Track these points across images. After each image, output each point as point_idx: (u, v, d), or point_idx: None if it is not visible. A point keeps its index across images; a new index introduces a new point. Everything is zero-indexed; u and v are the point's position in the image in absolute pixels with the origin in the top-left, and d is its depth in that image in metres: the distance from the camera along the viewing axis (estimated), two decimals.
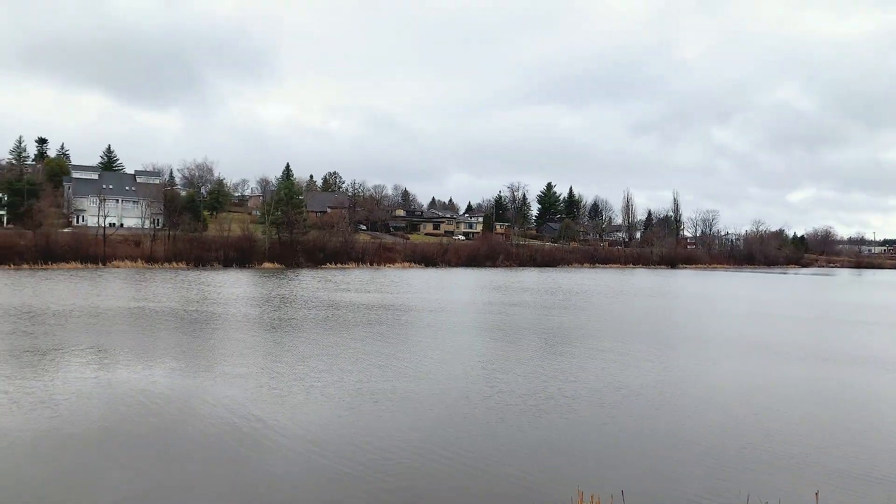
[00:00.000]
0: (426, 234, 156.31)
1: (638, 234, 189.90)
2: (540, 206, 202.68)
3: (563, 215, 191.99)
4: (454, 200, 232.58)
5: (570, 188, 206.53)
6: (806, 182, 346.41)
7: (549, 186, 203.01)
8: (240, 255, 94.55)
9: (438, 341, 25.91)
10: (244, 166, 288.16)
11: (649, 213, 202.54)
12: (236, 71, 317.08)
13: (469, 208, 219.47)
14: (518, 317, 36.18)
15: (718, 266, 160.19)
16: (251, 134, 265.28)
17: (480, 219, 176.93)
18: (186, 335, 26.78)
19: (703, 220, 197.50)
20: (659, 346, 26.14)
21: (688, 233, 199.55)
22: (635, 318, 37.70)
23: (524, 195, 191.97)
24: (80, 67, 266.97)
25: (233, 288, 53.73)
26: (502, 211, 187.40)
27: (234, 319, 32.23)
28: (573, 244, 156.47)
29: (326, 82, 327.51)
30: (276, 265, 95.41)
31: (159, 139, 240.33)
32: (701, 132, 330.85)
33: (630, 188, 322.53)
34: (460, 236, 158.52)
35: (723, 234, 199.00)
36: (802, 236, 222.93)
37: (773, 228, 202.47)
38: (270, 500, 9.98)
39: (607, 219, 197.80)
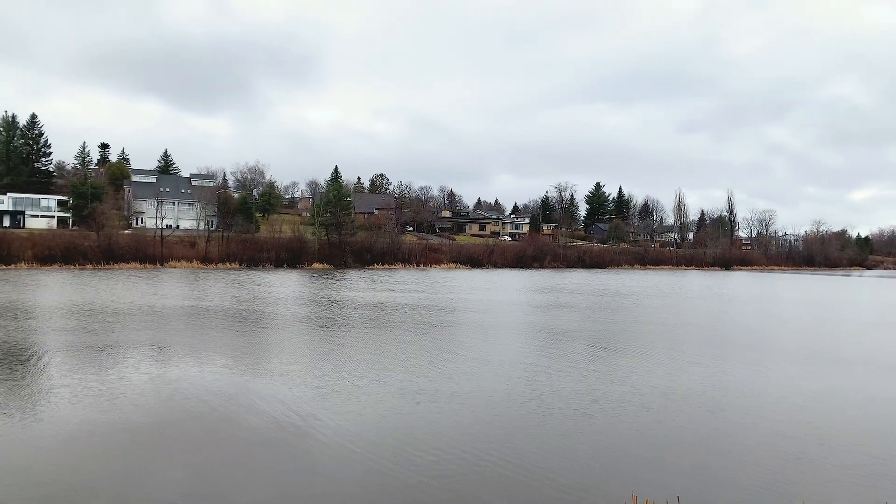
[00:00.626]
0: (472, 235, 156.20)
1: (690, 235, 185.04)
2: (588, 207, 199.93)
3: (613, 216, 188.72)
4: (500, 201, 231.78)
5: (620, 188, 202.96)
6: (868, 180, 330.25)
7: (598, 186, 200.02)
8: (290, 256, 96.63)
9: (483, 342, 25.75)
10: (294, 169, 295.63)
11: (702, 214, 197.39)
12: (284, 76, 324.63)
13: (515, 209, 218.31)
14: (564, 318, 35.65)
15: (776, 268, 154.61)
16: (299, 137, 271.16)
17: (527, 219, 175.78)
18: (238, 333, 27.42)
19: (759, 221, 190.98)
20: (710, 351, 25.29)
21: (743, 233, 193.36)
22: (686, 321, 36.64)
23: (572, 195, 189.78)
24: (137, 75, 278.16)
25: (283, 288, 54.86)
26: (549, 211, 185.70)
27: (283, 318, 32.84)
28: (623, 245, 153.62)
29: (371, 85, 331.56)
30: (325, 266, 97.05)
31: (212, 143, 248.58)
32: (753, 130, 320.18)
33: (682, 188, 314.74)
34: (506, 237, 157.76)
35: (780, 234, 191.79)
36: (867, 237, 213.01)
37: (835, 229, 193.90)
38: (315, 495, 10.04)
39: (658, 219, 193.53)
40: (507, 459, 11.68)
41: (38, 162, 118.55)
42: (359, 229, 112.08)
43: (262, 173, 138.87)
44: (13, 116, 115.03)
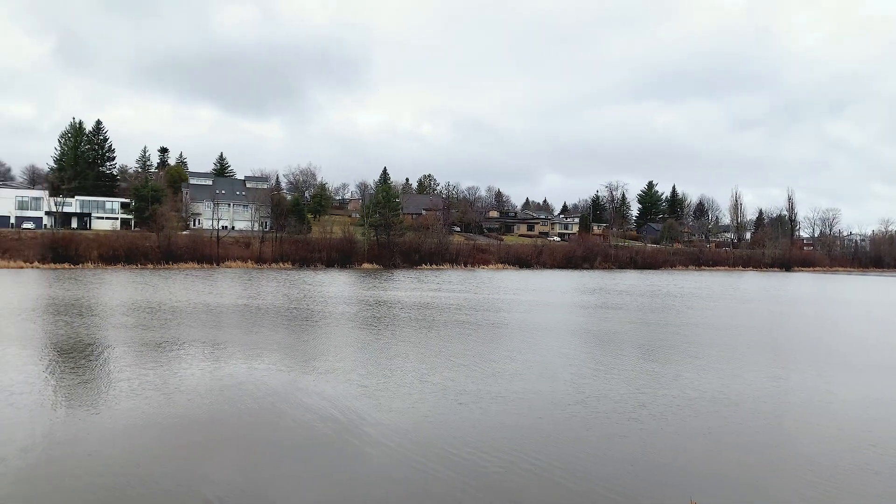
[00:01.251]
0: (520, 236, 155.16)
1: (748, 235, 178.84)
2: (640, 206, 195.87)
3: (666, 215, 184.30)
4: (549, 201, 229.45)
5: (673, 187, 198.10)
6: None
7: (650, 185, 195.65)
8: (341, 256, 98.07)
9: (528, 343, 25.38)
10: (343, 171, 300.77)
11: (760, 213, 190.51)
12: (332, 80, 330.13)
13: (564, 209, 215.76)
14: (613, 320, 34.85)
15: (840, 269, 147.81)
16: (348, 140, 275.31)
17: (576, 219, 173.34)
18: (289, 331, 27.87)
19: (822, 220, 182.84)
20: (766, 355, 24.27)
21: (804, 233, 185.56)
22: (741, 324, 35.28)
23: (623, 195, 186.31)
24: (192, 82, 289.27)
25: (333, 287, 55.65)
26: (600, 211, 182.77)
27: (333, 317, 33.23)
28: (677, 245, 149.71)
29: (417, 87, 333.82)
30: (375, 266, 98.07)
31: (264, 147, 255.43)
32: (812, 126, 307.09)
33: (738, 186, 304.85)
34: (555, 237, 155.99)
35: (845, 234, 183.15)
36: None
37: None
38: (359, 494, 10.00)
39: (714, 219, 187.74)
40: (551, 462, 11.39)
41: (102, 166, 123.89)
42: (407, 230, 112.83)
43: (313, 175, 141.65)
44: (80, 123, 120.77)
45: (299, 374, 18.71)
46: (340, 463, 11.29)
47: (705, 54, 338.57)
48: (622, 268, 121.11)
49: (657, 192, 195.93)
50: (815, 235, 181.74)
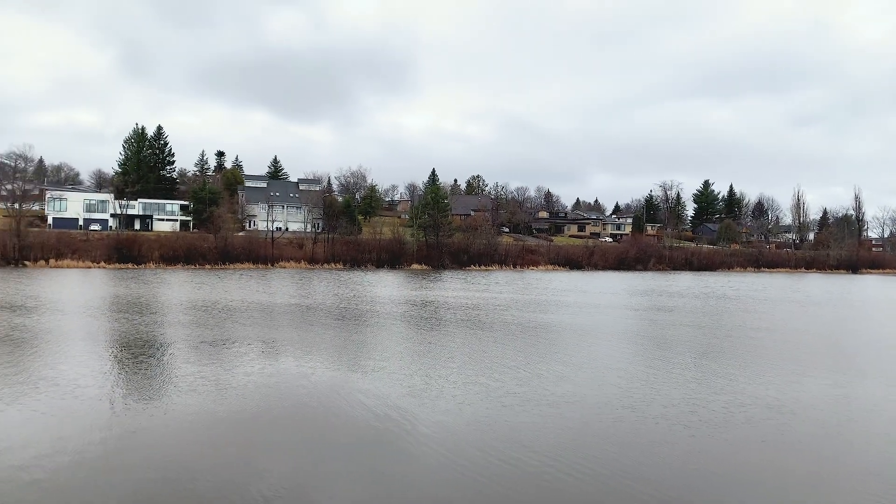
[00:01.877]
0: (570, 236, 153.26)
1: (811, 236, 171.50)
2: (696, 206, 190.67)
3: (723, 215, 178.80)
4: (600, 201, 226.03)
5: (731, 186, 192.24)
6: None
7: (706, 184, 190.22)
8: (390, 257, 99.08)
9: (575, 346, 25.00)
10: (392, 172, 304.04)
11: (824, 212, 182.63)
12: (379, 83, 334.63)
13: (616, 209, 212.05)
14: (664, 323, 33.95)
15: None
16: (395, 142, 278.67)
17: (629, 220, 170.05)
18: (339, 330, 28.29)
19: (892, 219, 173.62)
20: (828, 362, 23.15)
21: (873, 234, 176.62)
22: (802, 328, 33.83)
23: (678, 194, 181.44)
24: (245, 87, 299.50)
25: (382, 288, 56.24)
26: (653, 211, 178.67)
27: (382, 317, 33.57)
28: (734, 246, 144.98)
29: (463, 89, 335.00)
30: (424, 266, 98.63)
31: (315, 150, 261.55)
32: (877, 121, 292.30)
33: (800, 185, 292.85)
34: (607, 238, 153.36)
35: None
36: None
37: None
38: (405, 492, 10.04)
39: (774, 218, 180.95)
40: (597, 467, 11.16)
41: (163, 170, 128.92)
42: (456, 231, 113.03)
43: (363, 177, 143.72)
44: (142, 129, 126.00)
45: (348, 372, 18.97)
46: (387, 462, 11.37)
47: (759, 49, 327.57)
48: (677, 269, 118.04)
49: (713, 191, 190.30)
50: (885, 236, 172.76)
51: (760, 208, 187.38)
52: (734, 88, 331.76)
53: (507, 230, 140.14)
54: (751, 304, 47.42)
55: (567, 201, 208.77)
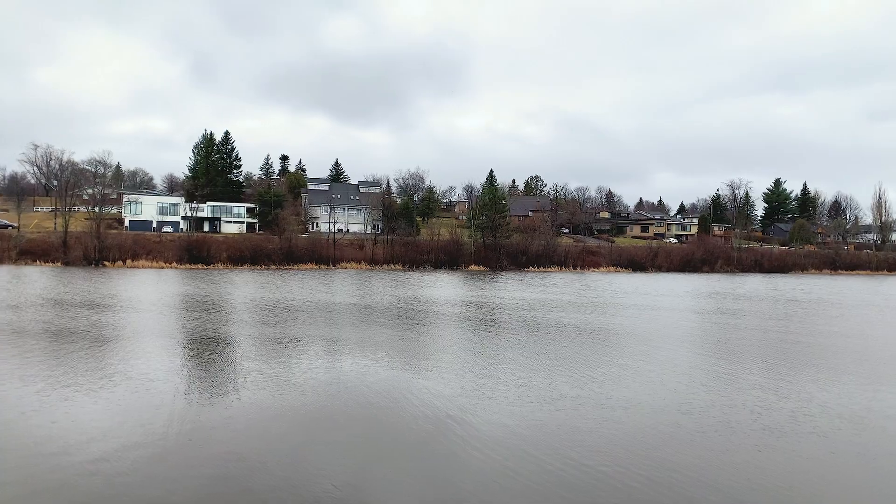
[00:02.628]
0: (633, 237, 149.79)
1: (894, 236, 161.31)
2: (766, 205, 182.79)
3: (796, 215, 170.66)
4: (664, 201, 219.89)
5: (804, 184, 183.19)
6: None
7: (778, 183, 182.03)
8: (448, 258, 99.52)
9: (634, 349, 24.41)
10: (448, 174, 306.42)
11: None
12: (434, 85, 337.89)
13: (682, 209, 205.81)
14: (729, 327, 32.69)
15: None
16: (450, 143, 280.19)
17: (695, 220, 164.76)
18: (397, 330, 28.65)
19: None
20: None
21: None
22: (878, 334, 31.88)
23: (746, 193, 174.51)
24: (306, 93, 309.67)
25: (440, 288, 56.57)
26: (721, 211, 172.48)
27: (438, 317, 33.78)
28: (808, 247, 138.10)
29: (518, 89, 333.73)
30: (481, 268, 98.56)
31: (373, 153, 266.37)
32: None
33: (882, 183, 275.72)
34: (672, 239, 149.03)
35: None
36: None
37: None
38: (459, 493, 10.07)
39: (853, 218, 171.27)
40: (651, 475, 10.87)
41: (230, 174, 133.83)
42: (514, 232, 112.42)
43: (422, 179, 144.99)
44: (211, 134, 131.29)
45: (404, 372, 19.19)
46: (439, 464, 11.45)
47: (829, 42, 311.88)
48: (746, 271, 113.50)
49: (785, 189, 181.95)
50: None
51: (837, 207, 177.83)
52: (803, 83, 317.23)
53: (566, 231, 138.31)
54: (824, 308, 45.08)
55: (629, 201, 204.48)
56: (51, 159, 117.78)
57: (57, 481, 10.16)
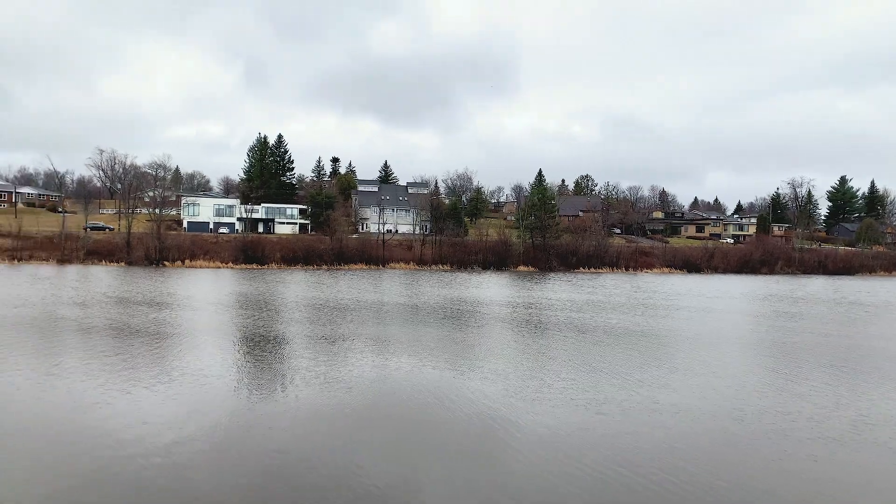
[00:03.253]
0: (688, 238, 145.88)
1: None
2: (830, 204, 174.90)
3: (863, 214, 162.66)
4: (720, 200, 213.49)
5: (872, 182, 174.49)
6: None
7: (843, 181, 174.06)
8: (496, 259, 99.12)
9: (686, 352, 23.80)
10: (495, 174, 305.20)
11: None
12: (481, 86, 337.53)
13: (739, 208, 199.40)
14: (786, 330, 31.46)
15: None
16: (498, 144, 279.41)
17: (753, 220, 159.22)
18: (444, 330, 28.79)
19: None
20: None
21: None
22: None
23: (809, 192, 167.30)
24: (354, 97, 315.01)
25: (488, 289, 56.46)
26: (781, 210, 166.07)
27: (486, 318, 33.74)
28: (877, 248, 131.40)
29: (565, 88, 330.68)
30: (530, 268, 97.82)
31: (420, 154, 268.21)
32: None
33: None
34: (728, 239, 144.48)
35: None
36: None
37: None
38: (502, 493, 10.07)
39: None
40: (698, 481, 10.60)
41: (284, 176, 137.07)
42: (563, 232, 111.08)
43: (469, 180, 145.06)
44: (265, 138, 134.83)
45: (449, 372, 19.28)
46: (482, 466, 11.47)
47: (893, 35, 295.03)
48: (808, 273, 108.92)
49: (851, 188, 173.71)
50: None
51: None
52: (865, 77, 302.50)
53: (618, 231, 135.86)
54: (891, 311, 42.85)
55: (684, 201, 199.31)
56: (115, 163, 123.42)
57: (116, 471, 10.68)
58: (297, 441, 12.46)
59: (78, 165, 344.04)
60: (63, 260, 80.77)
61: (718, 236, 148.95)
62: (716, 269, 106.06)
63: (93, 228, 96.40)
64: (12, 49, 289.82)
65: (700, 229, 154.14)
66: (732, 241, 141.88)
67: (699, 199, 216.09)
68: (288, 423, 13.64)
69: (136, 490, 9.97)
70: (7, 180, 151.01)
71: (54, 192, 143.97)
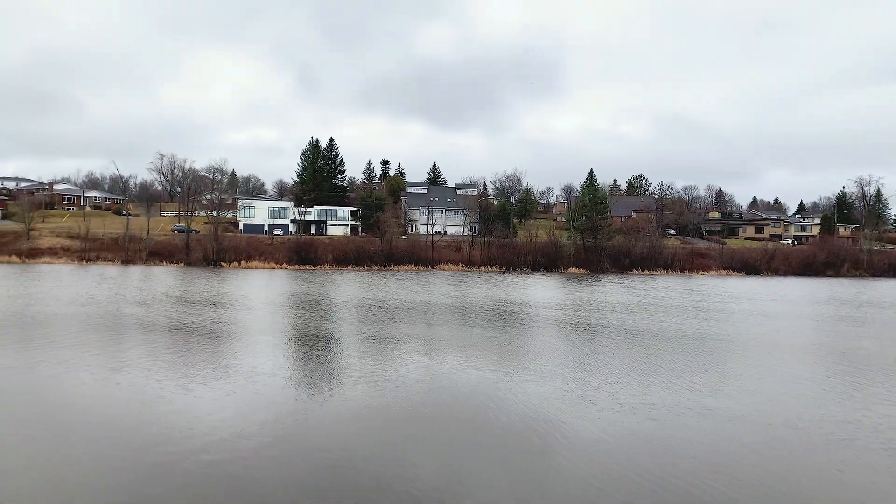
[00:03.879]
0: (746, 239, 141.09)
1: None
2: None
3: None
4: (781, 200, 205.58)
5: None
6: None
7: None
8: (546, 260, 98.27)
9: (741, 357, 23.02)
10: (545, 175, 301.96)
11: None
12: (527, 87, 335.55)
13: (801, 208, 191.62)
14: (851, 336, 30.03)
15: None
16: (546, 144, 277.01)
17: (816, 220, 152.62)
18: (492, 331, 28.75)
19: None
20: None
21: None
22: None
23: (878, 190, 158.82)
24: (403, 100, 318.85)
25: (537, 291, 56.04)
26: (847, 210, 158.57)
27: (535, 319, 33.51)
28: None
29: (613, 87, 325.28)
30: (581, 270, 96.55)
31: (468, 156, 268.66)
32: None
33: None
34: (790, 240, 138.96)
35: None
36: None
37: None
38: (552, 497, 10.00)
39: None
40: (751, 491, 10.26)
41: (335, 179, 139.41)
42: (616, 233, 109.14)
43: (518, 180, 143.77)
44: (317, 141, 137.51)
45: (497, 372, 19.25)
46: (528, 468, 11.43)
47: None
48: (877, 276, 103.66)
49: None
50: None
51: None
52: None
53: (672, 232, 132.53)
54: None
55: (742, 201, 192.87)
56: (174, 167, 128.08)
57: (174, 466, 11.14)
58: (347, 439, 12.70)
59: (140, 170, 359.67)
60: (127, 261, 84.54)
61: (779, 237, 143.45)
62: (776, 272, 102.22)
63: (179, 231, 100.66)
64: (83, 62, 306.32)
65: (759, 230, 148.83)
66: (794, 242, 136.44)
67: (758, 198, 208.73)
68: (337, 420, 13.91)
69: (193, 484, 10.37)
70: (76, 185, 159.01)
71: (119, 195, 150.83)
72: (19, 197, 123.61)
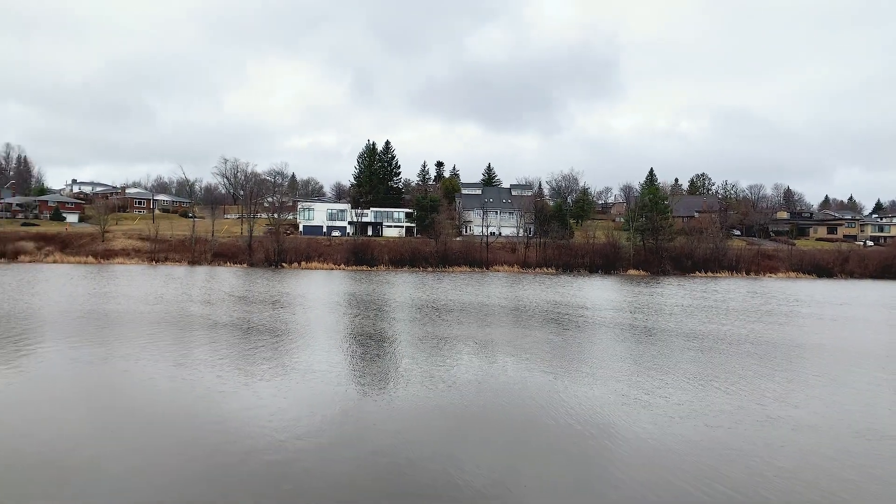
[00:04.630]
0: (817, 240, 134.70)
1: None
2: None
3: None
4: (855, 199, 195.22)
5: None
6: None
7: None
8: (604, 262, 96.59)
9: (809, 364, 22.00)
10: (601, 175, 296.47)
11: None
12: (582, 87, 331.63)
13: (878, 207, 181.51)
14: None
15: None
16: (603, 144, 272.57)
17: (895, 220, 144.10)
18: (549, 333, 28.51)
19: None
20: None
21: None
22: None
23: None
24: (457, 103, 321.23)
25: (595, 293, 55.15)
26: None
27: (591, 322, 33.00)
28: None
29: (671, 85, 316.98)
30: (641, 272, 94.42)
31: (523, 157, 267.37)
32: None
33: None
34: (866, 241, 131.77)
35: None
36: None
37: None
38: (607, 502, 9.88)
39: None
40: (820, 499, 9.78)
41: (391, 181, 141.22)
42: (677, 234, 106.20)
43: (575, 181, 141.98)
44: (373, 145, 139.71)
45: (552, 375, 19.09)
46: (583, 473, 11.31)
47: None
48: None
49: None
50: None
51: None
52: None
53: (737, 233, 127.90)
54: None
55: (812, 200, 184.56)
56: (238, 171, 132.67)
57: (233, 461, 11.57)
58: (400, 438, 12.87)
59: (205, 174, 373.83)
60: (193, 261, 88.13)
61: (854, 238, 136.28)
62: (851, 274, 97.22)
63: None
64: (155, 71, 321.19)
65: (832, 230, 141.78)
66: (871, 243, 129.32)
67: (830, 197, 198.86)
68: (394, 420, 14.11)
69: (251, 481, 10.74)
70: (146, 189, 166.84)
71: (185, 198, 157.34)
72: (95, 201, 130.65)
